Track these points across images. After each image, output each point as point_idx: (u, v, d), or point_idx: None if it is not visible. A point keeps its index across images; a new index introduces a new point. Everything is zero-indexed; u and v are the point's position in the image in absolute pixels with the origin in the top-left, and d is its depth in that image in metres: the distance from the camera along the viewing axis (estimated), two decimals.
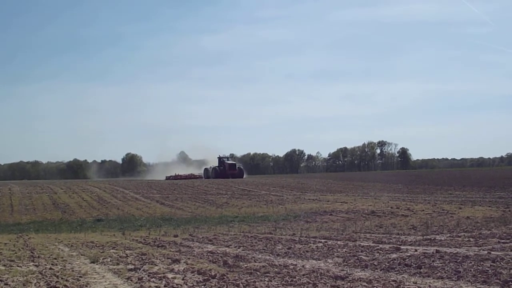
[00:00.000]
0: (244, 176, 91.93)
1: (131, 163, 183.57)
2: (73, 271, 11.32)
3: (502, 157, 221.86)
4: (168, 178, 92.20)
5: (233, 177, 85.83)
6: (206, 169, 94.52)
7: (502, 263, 10.80)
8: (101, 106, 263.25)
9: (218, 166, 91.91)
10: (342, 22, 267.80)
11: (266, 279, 10.07)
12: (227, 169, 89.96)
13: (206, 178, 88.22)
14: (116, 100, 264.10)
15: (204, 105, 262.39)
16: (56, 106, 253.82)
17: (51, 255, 14.19)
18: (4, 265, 12.10)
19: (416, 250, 13.22)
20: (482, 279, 9.41)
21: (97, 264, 12.30)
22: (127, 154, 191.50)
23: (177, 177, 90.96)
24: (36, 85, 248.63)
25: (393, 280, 9.56)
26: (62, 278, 10.43)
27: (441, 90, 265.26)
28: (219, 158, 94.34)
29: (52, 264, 12.28)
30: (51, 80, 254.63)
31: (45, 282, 10.00)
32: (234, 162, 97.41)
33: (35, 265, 12.05)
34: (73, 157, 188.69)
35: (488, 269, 10.18)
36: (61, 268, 11.61)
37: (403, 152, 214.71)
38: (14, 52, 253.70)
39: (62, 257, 13.63)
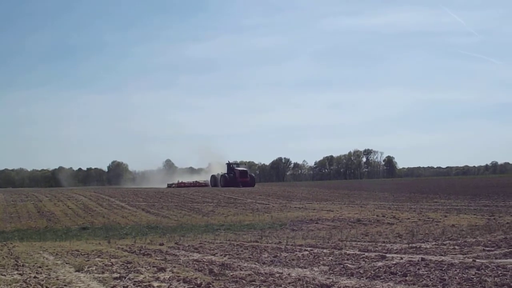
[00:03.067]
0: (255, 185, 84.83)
1: (117, 171, 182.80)
2: (58, 279, 11.25)
3: (487, 165, 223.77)
4: (170, 186, 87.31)
5: (244, 186, 79.43)
6: (213, 177, 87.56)
7: (487, 271, 10.85)
8: (88, 114, 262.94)
9: (227, 173, 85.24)
10: (328, 30, 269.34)
11: (252, 287, 10.07)
12: (237, 176, 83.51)
13: (213, 186, 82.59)
14: (103, 107, 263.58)
15: (191, 113, 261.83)
16: (42, 113, 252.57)
17: (36, 263, 14.09)
18: None
19: (401, 258, 13.26)
20: (467, 286, 9.47)
21: (82, 272, 12.23)
22: (112, 162, 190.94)
23: (180, 185, 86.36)
24: (23, 92, 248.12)
25: None
26: (46, 287, 10.38)
27: (427, 99, 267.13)
28: (228, 164, 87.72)
29: (36, 272, 12.19)
30: (38, 87, 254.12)
31: None
32: (245, 169, 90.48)
33: (20, 274, 11.97)
34: (59, 165, 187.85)
35: (473, 277, 10.24)
36: (45, 277, 11.53)
37: (389, 161, 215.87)
38: (1, 59, 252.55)
39: (47, 266, 13.54)
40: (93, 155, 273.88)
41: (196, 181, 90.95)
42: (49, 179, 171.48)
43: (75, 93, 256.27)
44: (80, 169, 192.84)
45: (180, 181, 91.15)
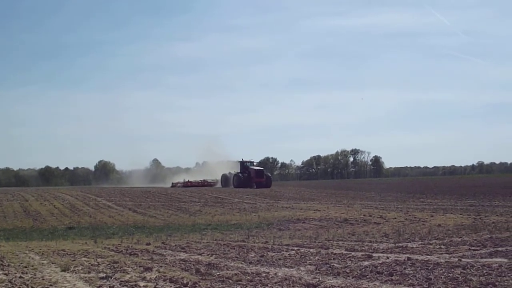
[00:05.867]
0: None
1: (104, 171, 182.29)
2: (43, 279, 11.19)
3: (473, 165, 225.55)
4: (174, 185, 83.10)
5: (260, 187, 73.26)
6: (224, 176, 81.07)
7: (472, 270, 10.91)
8: (77, 113, 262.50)
9: (241, 173, 77.87)
10: (316, 31, 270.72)
11: (239, 287, 10.07)
12: (252, 176, 76.24)
13: (224, 187, 77.12)
14: (92, 107, 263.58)
15: (179, 113, 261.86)
16: (30, 112, 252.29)
17: (21, 263, 14.01)
18: None
19: (388, 258, 13.30)
20: (453, 286, 9.50)
21: (68, 272, 12.17)
22: (99, 161, 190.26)
23: (187, 184, 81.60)
24: (12, 91, 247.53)
25: None
26: (32, 287, 10.32)
27: (413, 100, 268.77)
28: (242, 162, 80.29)
29: (22, 272, 12.12)
30: (27, 86, 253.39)
31: None
32: (261, 169, 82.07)
33: (5, 274, 11.88)
34: (45, 164, 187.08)
35: (458, 276, 10.28)
36: (31, 277, 11.47)
37: (376, 160, 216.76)
38: None
39: (32, 266, 13.47)
40: (81, 154, 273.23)
41: (204, 180, 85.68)
42: (36, 179, 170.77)
43: (64, 92, 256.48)
44: (66, 168, 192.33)
45: (187, 180, 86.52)
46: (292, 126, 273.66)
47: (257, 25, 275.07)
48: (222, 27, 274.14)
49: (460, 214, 30.45)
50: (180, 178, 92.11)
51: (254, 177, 76.10)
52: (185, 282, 10.41)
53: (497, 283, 9.50)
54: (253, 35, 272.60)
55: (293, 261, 13.45)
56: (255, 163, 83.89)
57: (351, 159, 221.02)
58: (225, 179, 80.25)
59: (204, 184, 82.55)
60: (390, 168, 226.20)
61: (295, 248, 16.47)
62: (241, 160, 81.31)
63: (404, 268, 11.44)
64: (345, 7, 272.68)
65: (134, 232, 27.41)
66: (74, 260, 14.50)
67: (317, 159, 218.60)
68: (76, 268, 12.75)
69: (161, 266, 12.81)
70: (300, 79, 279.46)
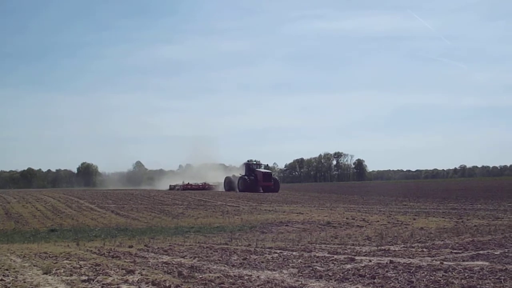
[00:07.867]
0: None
1: (87, 173, 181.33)
2: (25, 282, 11.12)
3: (455, 169, 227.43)
4: (172, 188, 79.57)
5: (267, 191, 68.29)
6: (228, 179, 75.48)
7: (454, 273, 10.98)
8: (60, 115, 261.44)
9: (247, 175, 72.11)
10: (299, 34, 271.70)
11: None
12: (259, 179, 70.89)
13: (228, 191, 71.45)
14: (75, 109, 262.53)
15: (162, 115, 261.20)
16: (13, 114, 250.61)
17: (3, 266, 13.89)
18: None
19: (370, 261, 13.34)
20: None
21: (50, 275, 12.09)
22: (82, 164, 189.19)
23: (187, 187, 77.52)
24: None
25: None
26: None
27: (396, 103, 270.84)
28: (248, 164, 74.68)
29: (3, 275, 12.03)
30: (10, 88, 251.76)
31: None
32: (269, 171, 77.52)
33: None
34: (28, 166, 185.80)
35: (440, 279, 10.35)
36: (12, 280, 11.39)
37: (359, 164, 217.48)
38: None
39: (14, 268, 13.36)
40: (64, 156, 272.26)
41: (205, 183, 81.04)
42: (18, 180, 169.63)
43: (47, 94, 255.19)
44: (49, 170, 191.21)
45: (186, 182, 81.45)
46: (275, 129, 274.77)
47: (240, 28, 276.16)
48: (206, 30, 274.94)
49: (442, 217, 30.60)
50: (166, 181, 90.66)
51: (261, 180, 71.08)
52: (167, 285, 10.39)
53: (478, 286, 9.58)
54: (236, 38, 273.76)
55: (276, 264, 13.45)
56: (261, 165, 78.52)
57: (334, 162, 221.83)
58: (228, 182, 74.74)
59: (204, 187, 78.81)
60: (373, 171, 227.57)
61: (278, 251, 16.49)
62: (247, 161, 75.98)
63: (387, 271, 11.48)
64: (328, 10, 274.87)
65: (116, 234, 27.26)
66: (56, 263, 14.40)
67: (300, 162, 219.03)
68: (58, 271, 12.68)
69: (143, 269, 12.76)
70: (283, 82, 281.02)
